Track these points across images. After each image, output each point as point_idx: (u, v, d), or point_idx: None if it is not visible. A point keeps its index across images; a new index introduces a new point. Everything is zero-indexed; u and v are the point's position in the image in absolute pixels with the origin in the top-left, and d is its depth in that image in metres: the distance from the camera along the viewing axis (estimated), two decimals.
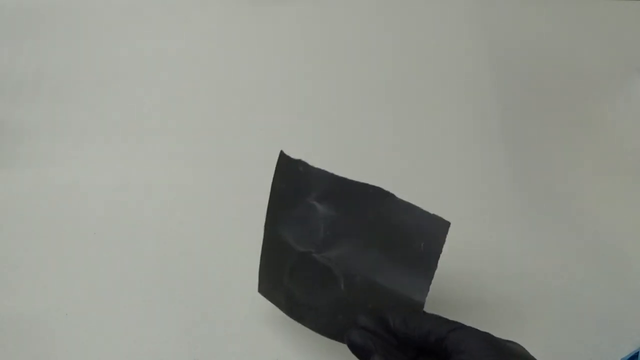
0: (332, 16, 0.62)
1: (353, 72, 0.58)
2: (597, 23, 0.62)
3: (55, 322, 0.45)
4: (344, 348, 0.35)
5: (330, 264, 0.37)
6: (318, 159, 0.53)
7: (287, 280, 0.38)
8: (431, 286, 0.36)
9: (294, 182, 0.38)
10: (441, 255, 0.40)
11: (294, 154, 0.48)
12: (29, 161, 0.52)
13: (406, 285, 0.36)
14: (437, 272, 0.48)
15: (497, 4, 0.63)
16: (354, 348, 0.34)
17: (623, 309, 0.46)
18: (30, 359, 0.44)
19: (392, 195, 0.37)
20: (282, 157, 0.39)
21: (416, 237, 0.36)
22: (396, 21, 0.62)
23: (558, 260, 0.49)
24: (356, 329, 0.34)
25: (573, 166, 0.53)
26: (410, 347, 0.34)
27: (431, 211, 0.45)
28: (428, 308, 0.35)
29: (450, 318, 0.34)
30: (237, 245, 0.47)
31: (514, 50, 0.60)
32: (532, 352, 0.36)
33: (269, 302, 0.41)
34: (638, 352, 0.42)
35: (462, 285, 0.47)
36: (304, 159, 0.39)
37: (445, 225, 0.35)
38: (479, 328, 0.33)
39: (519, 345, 0.35)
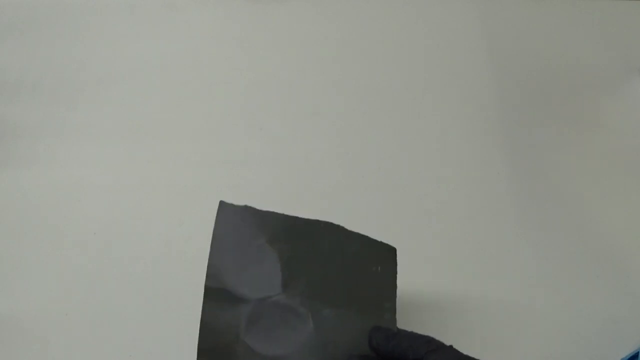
0: (333, 16, 0.62)
1: (353, 72, 0.58)
2: (597, 23, 0.62)
3: (55, 322, 0.45)
4: None
5: (294, 303, 0.36)
6: (319, 158, 0.53)
7: (244, 335, 0.35)
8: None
9: (240, 229, 0.37)
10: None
11: (294, 154, 0.48)
12: (29, 161, 0.52)
13: (374, 308, 0.36)
14: (436, 272, 0.48)
15: (497, 4, 0.63)
16: None
17: (623, 309, 0.47)
18: (30, 359, 0.44)
19: (343, 228, 0.38)
20: (223, 206, 0.38)
21: (371, 262, 0.38)
22: (396, 21, 0.62)
23: (558, 260, 0.49)
24: None
25: (573, 166, 0.53)
26: None
27: (431, 211, 0.46)
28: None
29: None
30: None
31: (514, 50, 0.60)
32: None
33: None
34: (638, 352, 0.42)
35: (461, 286, 0.47)
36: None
37: (393, 250, 0.38)
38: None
39: None
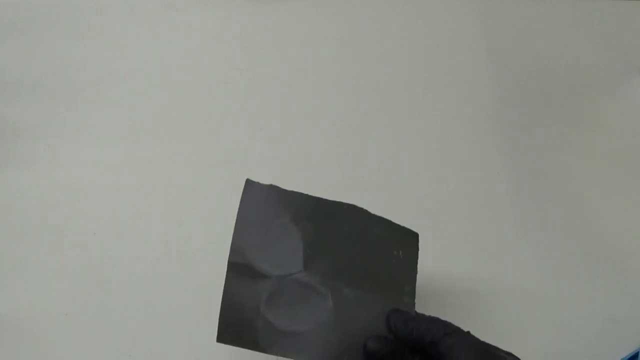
0: (333, 16, 0.62)
1: (353, 72, 0.58)
2: (597, 23, 0.62)
3: (55, 322, 0.45)
4: None
5: (315, 282, 0.36)
6: (319, 158, 0.53)
7: (264, 310, 0.36)
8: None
9: (265, 207, 0.38)
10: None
11: (294, 154, 0.48)
12: (29, 161, 0.52)
13: (394, 291, 0.37)
14: (436, 272, 0.48)
15: (497, 4, 0.63)
16: None
17: (623, 309, 0.47)
18: (30, 359, 0.44)
19: (366, 211, 0.39)
20: (250, 184, 0.38)
21: (393, 246, 0.38)
22: (396, 21, 0.62)
23: (558, 260, 0.49)
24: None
25: (573, 166, 0.53)
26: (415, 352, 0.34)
27: (432, 211, 0.46)
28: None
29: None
30: None
31: (514, 50, 0.60)
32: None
33: None
34: (638, 352, 0.42)
35: (461, 286, 0.47)
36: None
37: (415, 236, 0.39)
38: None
39: (515, 358, 0.34)
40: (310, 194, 0.39)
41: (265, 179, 0.51)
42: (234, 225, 0.48)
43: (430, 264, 0.48)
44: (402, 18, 0.62)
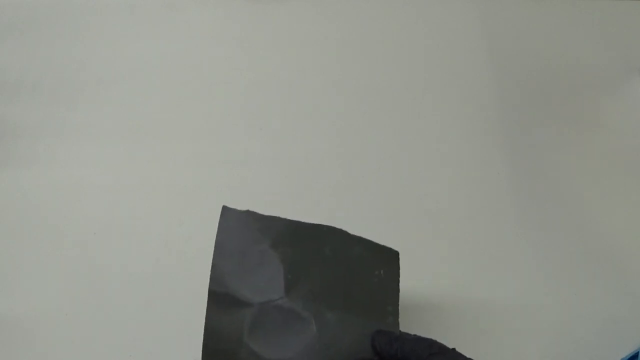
0: (333, 16, 0.62)
1: (353, 72, 0.58)
2: (597, 23, 0.62)
3: (55, 322, 0.45)
4: None
5: (297, 307, 0.36)
6: (319, 158, 0.53)
7: (247, 339, 0.35)
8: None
9: (243, 233, 0.37)
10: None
11: (294, 154, 0.48)
12: (29, 161, 0.52)
13: (377, 311, 0.37)
14: (436, 272, 0.48)
15: (497, 4, 0.63)
16: None
17: (623, 309, 0.47)
18: (30, 359, 0.44)
19: (345, 232, 0.38)
20: (226, 211, 0.38)
21: (374, 266, 0.38)
22: (396, 21, 0.62)
23: (558, 260, 0.49)
24: None
25: (573, 166, 0.53)
26: None
27: (432, 211, 0.46)
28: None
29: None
30: None
31: (514, 50, 0.60)
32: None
33: None
34: (638, 352, 0.42)
35: (461, 286, 0.47)
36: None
37: (395, 254, 0.38)
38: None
39: None
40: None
41: (265, 179, 0.52)
42: None
43: (429, 263, 0.48)
44: (402, 18, 0.62)
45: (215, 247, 0.37)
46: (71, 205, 0.50)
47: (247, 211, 0.38)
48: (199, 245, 0.48)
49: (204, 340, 0.35)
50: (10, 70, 0.57)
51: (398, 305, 0.37)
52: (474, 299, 0.46)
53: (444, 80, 0.58)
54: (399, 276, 0.38)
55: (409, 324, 0.38)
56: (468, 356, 0.33)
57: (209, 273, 0.46)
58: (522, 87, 0.58)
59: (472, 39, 0.60)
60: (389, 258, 0.38)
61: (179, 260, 0.48)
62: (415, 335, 0.35)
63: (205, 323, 0.35)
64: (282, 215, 0.38)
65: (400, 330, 0.36)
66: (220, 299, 0.36)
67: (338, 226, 0.38)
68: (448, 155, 0.54)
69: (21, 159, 0.52)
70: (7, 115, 0.54)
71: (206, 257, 0.48)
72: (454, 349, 0.33)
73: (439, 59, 0.59)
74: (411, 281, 0.40)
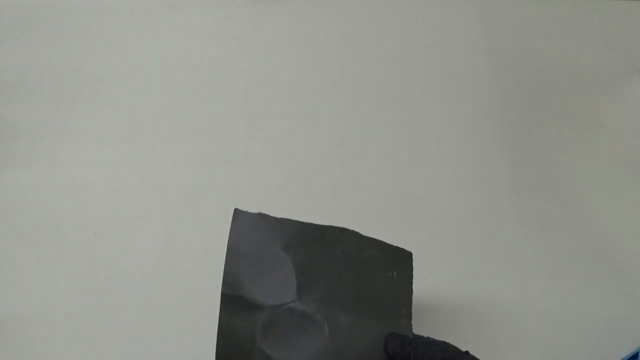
0: (333, 16, 0.62)
1: (353, 72, 0.58)
2: (597, 23, 0.62)
3: (55, 322, 0.45)
4: None
5: (310, 310, 0.35)
6: (319, 158, 0.53)
7: (260, 342, 0.35)
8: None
9: (255, 236, 0.37)
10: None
11: (294, 154, 0.48)
12: (29, 161, 0.52)
13: (390, 314, 0.36)
14: (435, 271, 0.48)
15: (497, 4, 0.63)
16: None
17: (623, 309, 0.47)
18: (30, 359, 0.44)
19: (358, 233, 0.38)
20: (238, 214, 0.37)
21: (387, 267, 0.37)
22: (396, 21, 0.62)
23: (558, 260, 0.49)
24: None
25: (573, 166, 0.53)
26: None
27: (432, 211, 0.46)
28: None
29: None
30: None
31: (514, 50, 0.60)
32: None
33: None
34: (638, 352, 0.42)
35: (460, 286, 0.47)
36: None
37: (408, 255, 0.38)
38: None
39: None
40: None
41: (265, 179, 0.52)
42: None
43: (430, 263, 0.48)
44: (402, 18, 0.62)
45: (228, 250, 0.36)
46: (71, 205, 0.50)
47: (259, 214, 0.37)
48: (199, 245, 0.48)
49: (217, 343, 0.35)
50: (10, 70, 0.57)
51: (411, 307, 0.37)
52: (474, 298, 0.46)
53: (444, 80, 0.58)
54: (412, 277, 0.38)
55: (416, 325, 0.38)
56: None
57: (209, 273, 0.46)
58: (522, 87, 0.58)
59: (472, 39, 0.60)
60: (402, 259, 0.38)
61: (179, 260, 0.48)
62: (428, 337, 0.35)
63: (219, 326, 0.35)
64: (283, 215, 0.38)
65: (413, 333, 0.36)
66: (233, 302, 0.35)
67: (338, 225, 0.38)
68: (448, 155, 0.54)
69: (21, 159, 0.52)
70: (7, 115, 0.54)
71: (206, 257, 0.48)
72: (467, 352, 0.33)
73: (439, 59, 0.59)
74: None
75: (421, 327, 0.40)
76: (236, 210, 0.37)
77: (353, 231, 0.38)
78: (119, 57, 0.58)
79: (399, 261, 0.38)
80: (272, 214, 0.38)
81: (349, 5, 0.62)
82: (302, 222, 0.37)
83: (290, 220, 0.37)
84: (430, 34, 0.61)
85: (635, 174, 0.53)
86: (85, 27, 0.60)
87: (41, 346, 0.44)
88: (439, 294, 0.46)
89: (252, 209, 0.38)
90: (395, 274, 0.37)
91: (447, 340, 0.34)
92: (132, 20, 0.61)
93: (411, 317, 0.36)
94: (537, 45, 0.61)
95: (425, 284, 0.46)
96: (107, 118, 0.55)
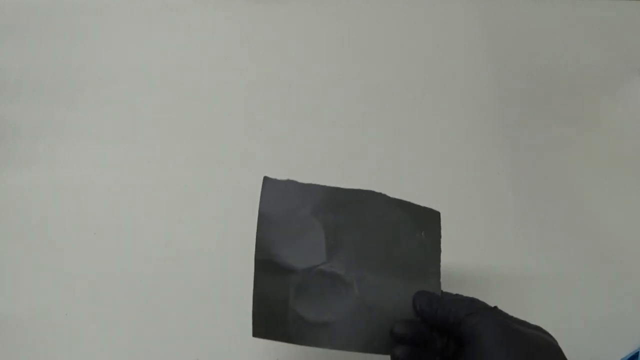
0: (333, 16, 0.62)
1: (353, 72, 0.58)
2: (597, 23, 0.62)
3: (55, 322, 0.45)
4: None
5: (340, 271, 0.37)
6: (319, 158, 0.53)
7: (293, 304, 0.37)
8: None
9: (284, 202, 0.38)
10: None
11: (294, 154, 0.48)
12: (29, 161, 0.52)
13: (418, 273, 0.37)
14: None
15: (497, 4, 0.63)
16: None
17: (623, 309, 0.47)
18: (30, 359, 0.44)
19: (384, 195, 0.39)
20: (268, 181, 0.38)
21: (415, 228, 0.38)
22: (396, 21, 0.62)
23: (558, 260, 0.49)
24: (398, 347, 0.33)
25: (573, 166, 0.53)
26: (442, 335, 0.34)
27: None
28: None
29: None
30: (237, 244, 0.47)
31: (514, 50, 0.60)
32: None
33: None
34: (638, 352, 0.42)
35: (460, 286, 0.47)
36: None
37: (436, 214, 0.39)
38: None
39: (543, 333, 0.33)
40: None
41: None
42: (233, 225, 0.49)
43: None
44: (402, 18, 0.62)
45: (259, 217, 0.37)
46: (71, 205, 0.50)
47: (288, 180, 0.38)
48: (199, 245, 0.48)
49: (253, 306, 0.36)
50: (10, 70, 0.57)
51: (440, 265, 0.38)
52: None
53: (444, 80, 0.58)
54: (440, 237, 0.39)
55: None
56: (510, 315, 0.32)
57: (209, 273, 0.46)
58: (522, 87, 0.58)
59: (472, 39, 0.60)
60: (429, 219, 0.39)
61: (179, 260, 0.48)
62: (457, 295, 0.35)
63: (254, 291, 0.36)
64: None
65: (442, 291, 0.36)
66: (266, 267, 0.37)
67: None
68: (448, 155, 0.54)
69: (21, 159, 0.52)
70: (7, 115, 0.54)
71: (206, 256, 0.48)
72: (495, 307, 0.33)
73: (439, 59, 0.59)
74: None
75: None
76: (265, 178, 0.38)
77: (380, 193, 0.39)
78: (119, 57, 0.58)
79: (427, 221, 0.39)
80: None
81: (349, 5, 0.62)
82: (330, 187, 0.38)
83: (319, 185, 0.38)
84: (430, 34, 0.61)
85: (635, 174, 0.53)
86: (85, 27, 0.60)
87: (41, 346, 0.44)
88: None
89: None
90: (423, 233, 0.38)
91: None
92: (132, 20, 0.61)
93: (440, 276, 0.37)
94: (537, 45, 0.61)
95: None
96: (107, 118, 0.55)
